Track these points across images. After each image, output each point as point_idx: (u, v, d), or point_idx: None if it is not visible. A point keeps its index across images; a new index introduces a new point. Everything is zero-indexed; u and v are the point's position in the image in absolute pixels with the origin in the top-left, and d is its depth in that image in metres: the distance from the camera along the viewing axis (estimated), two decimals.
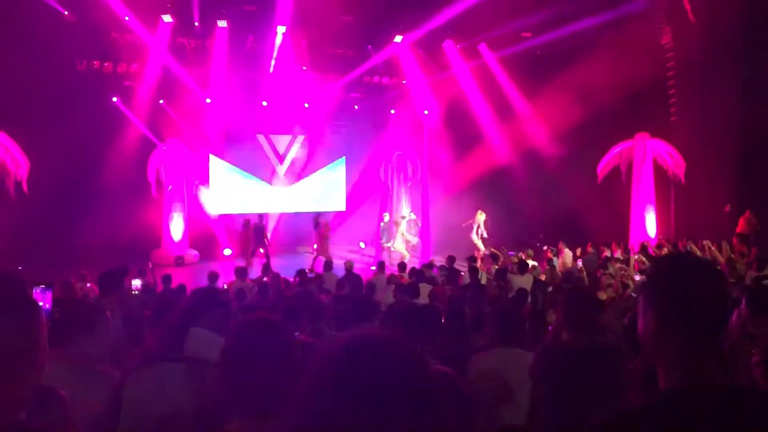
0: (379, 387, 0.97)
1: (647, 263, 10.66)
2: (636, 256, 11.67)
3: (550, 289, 8.77)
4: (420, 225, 17.69)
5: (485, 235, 16.10)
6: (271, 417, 1.54)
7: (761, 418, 1.36)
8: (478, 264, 12.70)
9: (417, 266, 11.29)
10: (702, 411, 1.37)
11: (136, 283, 9.01)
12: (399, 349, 1.03)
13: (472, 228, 16.19)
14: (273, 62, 17.01)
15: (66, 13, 14.07)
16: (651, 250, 12.93)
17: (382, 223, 17.19)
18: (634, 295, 7.80)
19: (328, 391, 0.99)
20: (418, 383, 1.00)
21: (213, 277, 9.58)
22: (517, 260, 11.57)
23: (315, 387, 1.01)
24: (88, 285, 9.76)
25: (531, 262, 10.93)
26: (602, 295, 8.46)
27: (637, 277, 9.48)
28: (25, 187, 12.95)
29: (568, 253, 13.18)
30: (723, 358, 2.83)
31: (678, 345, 1.45)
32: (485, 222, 16.28)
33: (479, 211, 16.29)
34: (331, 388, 0.99)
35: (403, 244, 16.51)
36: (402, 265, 11.30)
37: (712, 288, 1.46)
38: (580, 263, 12.30)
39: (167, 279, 9.48)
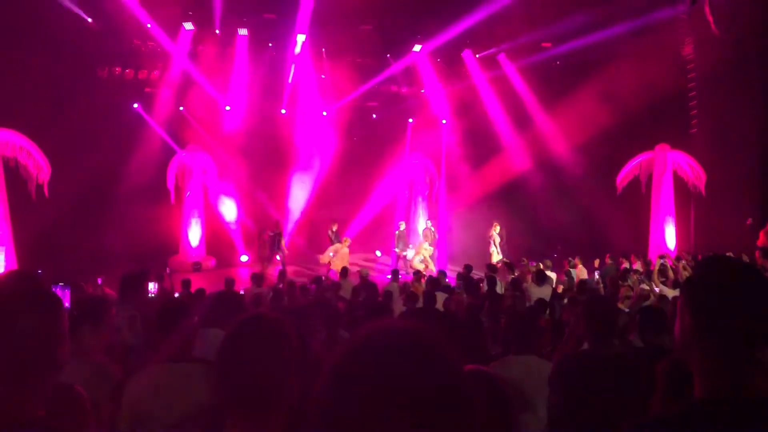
0: (401, 382, 0.87)
1: (669, 271, 10.49)
2: (661, 260, 11.41)
3: (565, 301, 8.67)
4: (437, 235, 17.62)
5: (498, 241, 16.07)
6: (270, 414, 1.53)
7: None
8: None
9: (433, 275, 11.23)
10: (735, 422, 1.30)
11: (152, 286, 9.05)
12: (424, 341, 0.93)
13: (490, 242, 16.15)
14: (292, 70, 17.11)
15: (89, 19, 14.26)
16: (670, 262, 12.74)
17: (397, 232, 17.16)
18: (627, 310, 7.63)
19: (346, 387, 0.90)
20: (445, 378, 0.90)
21: (229, 283, 9.57)
22: (534, 270, 11.47)
23: (332, 382, 0.92)
24: (99, 281, 9.84)
25: (549, 273, 10.81)
26: (620, 307, 8.33)
27: (657, 289, 9.33)
28: (46, 191, 13.07)
29: (582, 269, 13.03)
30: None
31: (713, 350, 1.37)
32: (500, 233, 16.23)
33: (495, 224, 16.25)
34: (349, 385, 0.89)
35: (422, 264, 16.32)
36: (417, 274, 11.24)
37: (752, 294, 1.37)
38: (597, 275, 12.15)
39: (186, 283, 9.52)
